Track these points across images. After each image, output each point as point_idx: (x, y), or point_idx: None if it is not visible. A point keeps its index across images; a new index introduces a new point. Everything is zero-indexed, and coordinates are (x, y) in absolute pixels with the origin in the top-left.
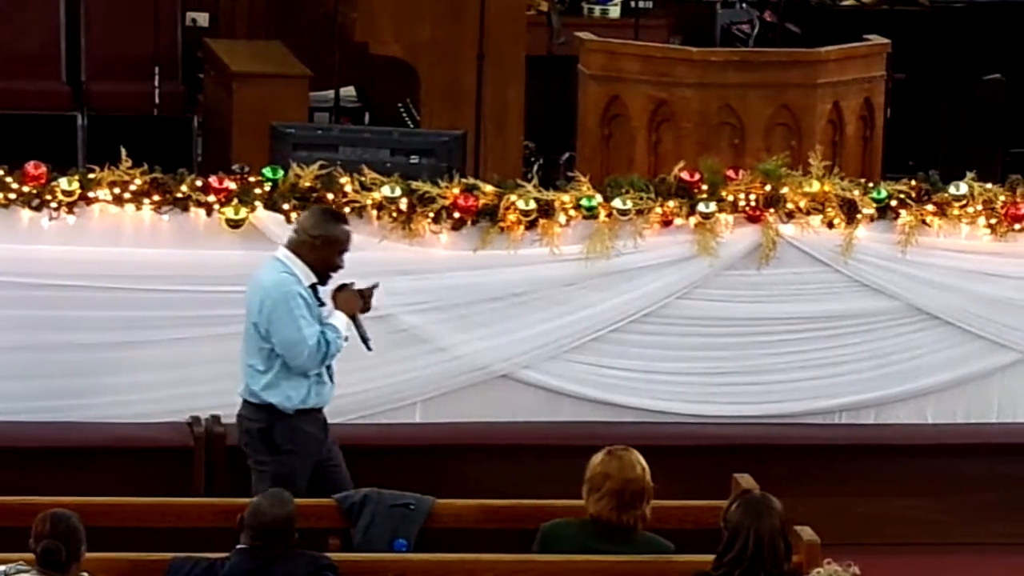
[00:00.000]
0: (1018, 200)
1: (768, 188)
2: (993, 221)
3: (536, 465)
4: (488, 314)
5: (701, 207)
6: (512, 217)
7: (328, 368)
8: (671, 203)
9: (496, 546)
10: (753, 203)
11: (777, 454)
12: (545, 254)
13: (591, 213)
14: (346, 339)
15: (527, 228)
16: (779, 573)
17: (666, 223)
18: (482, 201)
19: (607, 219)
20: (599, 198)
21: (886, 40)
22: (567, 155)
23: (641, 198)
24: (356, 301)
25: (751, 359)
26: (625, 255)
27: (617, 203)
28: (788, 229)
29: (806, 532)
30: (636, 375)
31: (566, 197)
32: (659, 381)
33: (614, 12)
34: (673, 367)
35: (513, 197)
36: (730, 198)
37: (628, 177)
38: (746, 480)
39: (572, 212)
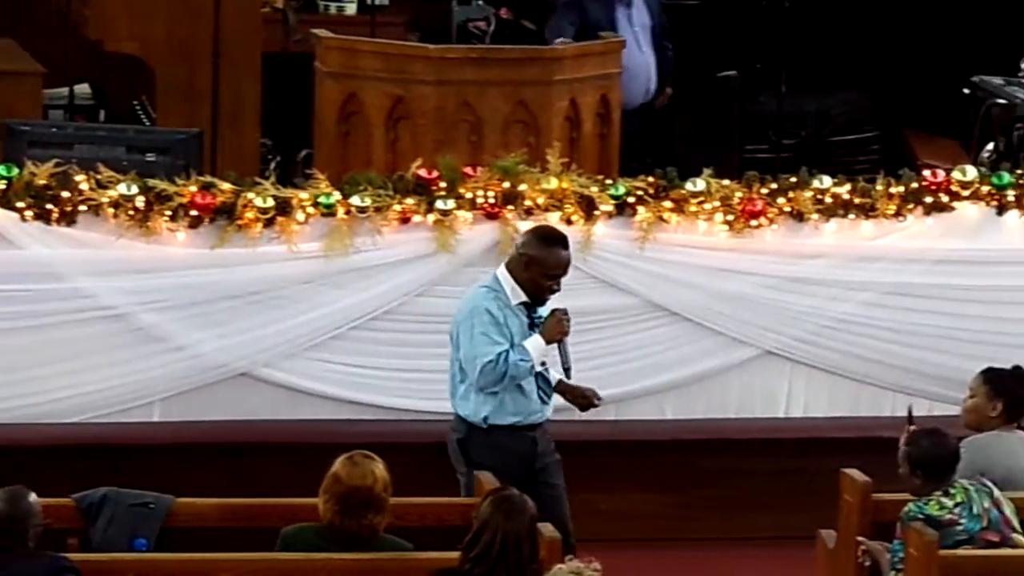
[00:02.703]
0: (755, 196)
1: (506, 185)
2: (730, 217)
3: (277, 463)
4: (226, 312)
5: (439, 204)
6: (250, 215)
7: (540, 387)
8: (409, 200)
9: (237, 545)
10: (491, 200)
11: None
12: (283, 252)
13: (329, 211)
14: (543, 364)
15: (265, 226)
16: (521, 575)
17: (404, 220)
18: (219, 199)
19: (345, 217)
20: (337, 195)
21: (622, 37)
22: (305, 152)
23: (379, 195)
24: (559, 327)
25: None
26: (364, 252)
27: (355, 200)
28: (527, 226)
29: (547, 529)
30: (376, 372)
31: (304, 195)
32: (399, 379)
33: (350, 9)
34: (413, 364)
35: (251, 195)
36: (468, 195)
37: (366, 174)
38: (487, 478)
39: (310, 210)
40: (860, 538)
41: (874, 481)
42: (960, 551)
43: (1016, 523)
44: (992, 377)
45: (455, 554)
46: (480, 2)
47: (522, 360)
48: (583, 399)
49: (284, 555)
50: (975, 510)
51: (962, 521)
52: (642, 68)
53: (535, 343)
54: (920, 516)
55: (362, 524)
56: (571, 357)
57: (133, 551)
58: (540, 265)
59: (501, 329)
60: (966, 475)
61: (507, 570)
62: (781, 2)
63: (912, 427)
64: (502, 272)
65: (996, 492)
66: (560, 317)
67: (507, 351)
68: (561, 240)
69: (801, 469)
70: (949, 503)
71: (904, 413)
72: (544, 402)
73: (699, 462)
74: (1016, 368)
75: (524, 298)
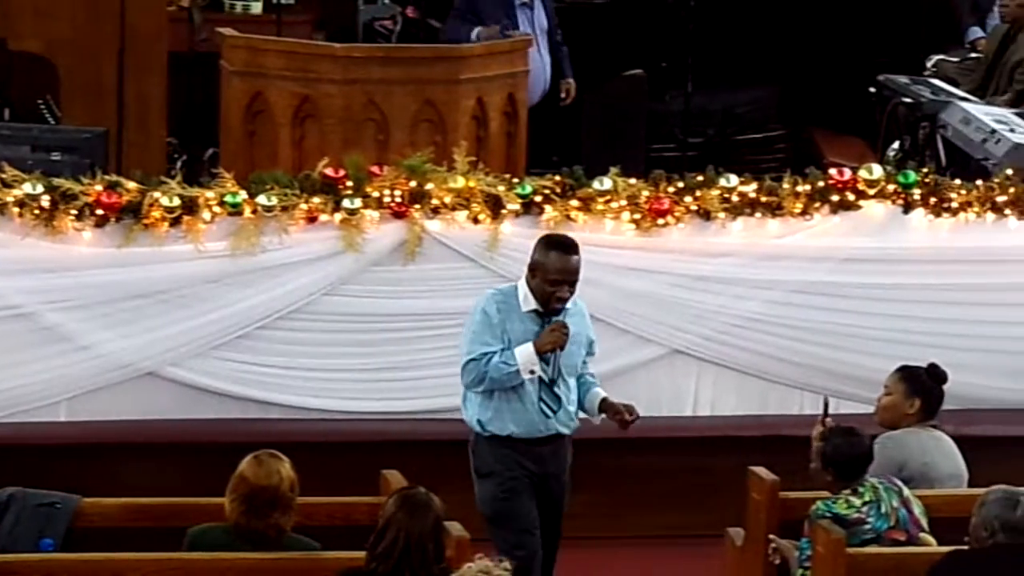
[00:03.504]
0: (661, 195)
1: (413, 184)
2: (637, 216)
3: (184, 463)
4: (133, 311)
5: (346, 203)
6: (156, 214)
7: (543, 399)
8: (316, 199)
9: (144, 545)
10: (398, 199)
11: (426, 449)
12: (190, 251)
13: (236, 210)
14: (531, 372)
15: (171, 225)
16: (427, 574)
17: (311, 219)
18: (125, 198)
19: (252, 216)
20: (244, 195)
21: (528, 36)
22: (211, 151)
23: (286, 194)
24: (552, 339)
25: (398, 355)
26: (271, 251)
27: (262, 199)
28: (434, 225)
29: (455, 528)
30: (284, 372)
31: (210, 194)
32: (307, 378)
33: (256, 8)
34: (321, 363)
35: (157, 194)
36: (375, 194)
37: (272, 173)
38: (394, 476)
39: (217, 209)
40: (772, 536)
41: (782, 479)
42: (866, 549)
43: (925, 523)
44: (909, 375)
45: (363, 553)
46: (386, 1)
47: (504, 364)
48: (617, 415)
49: (191, 555)
50: (883, 509)
51: (870, 520)
52: (539, 70)
53: (524, 350)
54: (828, 514)
55: (269, 524)
56: (561, 369)
57: (40, 551)
58: (542, 270)
59: (494, 331)
60: (883, 470)
61: (411, 569)
62: (687, 1)
63: (828, 419)
64: (521, 279)
65: (906, 491)
66: (555, 328)
67: (493, 353)
68: (564, 245)
69: (708, 467)
70: (857, 502)
71: (813, 410)
72: (547, 416)
73: (606, 461)
74: (931, 366)
75: (535, 306)
